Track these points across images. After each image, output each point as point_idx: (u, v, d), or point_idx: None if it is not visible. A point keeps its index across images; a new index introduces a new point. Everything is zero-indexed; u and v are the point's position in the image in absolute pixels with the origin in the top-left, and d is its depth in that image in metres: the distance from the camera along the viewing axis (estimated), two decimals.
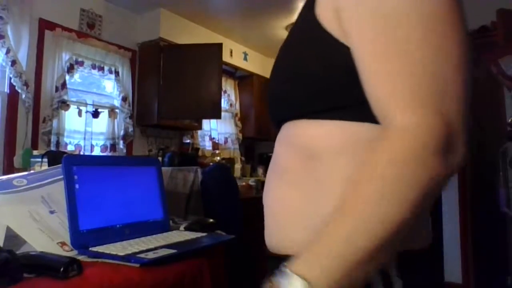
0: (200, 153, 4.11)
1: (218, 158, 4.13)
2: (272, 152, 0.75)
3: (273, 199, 0.65)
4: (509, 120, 2.96)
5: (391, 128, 0.47)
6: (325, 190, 0.56)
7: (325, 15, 0.57)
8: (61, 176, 1.06)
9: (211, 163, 3.50)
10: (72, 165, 1.07)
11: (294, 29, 0.67)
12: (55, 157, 2.01)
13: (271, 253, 0.64)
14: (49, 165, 1.90)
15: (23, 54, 2.91)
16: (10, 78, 2.85)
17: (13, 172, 1.83)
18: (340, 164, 0.56)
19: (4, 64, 2.81)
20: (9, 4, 2.84)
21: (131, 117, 3.70)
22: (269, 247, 0.65)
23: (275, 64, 0.68)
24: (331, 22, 0.56)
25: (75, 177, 1.05)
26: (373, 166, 0.46)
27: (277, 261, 0.54)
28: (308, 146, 0.59)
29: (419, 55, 0.46)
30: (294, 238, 0.59)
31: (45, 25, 3.12)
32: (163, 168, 1.86)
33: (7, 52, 2.80)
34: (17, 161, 2.83)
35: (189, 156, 3.55)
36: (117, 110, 3.64)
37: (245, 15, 4.02)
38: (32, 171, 1.26)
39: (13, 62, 2.81)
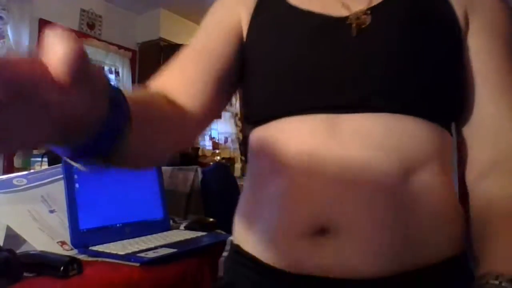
0: (200, 152, 4.11)
1: (218, 157, 4.13)
2: None
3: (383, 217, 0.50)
4: None
5: None
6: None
7: (460, 18, 0.56)
8: (61, 176, 1.06)
9: (211, 163, 3.50)
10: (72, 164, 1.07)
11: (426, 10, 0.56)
12: (55, 156, 2.00)
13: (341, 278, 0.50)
14: (49, 165, 1.90)
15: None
16: None
17: (13, 172, 1.83)
18: (440, 175, 0.54)
19: None
20: (9, 5, 2.84)
21: None
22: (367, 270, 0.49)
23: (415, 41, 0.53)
24: (465, 29, 0.56)
25: (75, 176, 1.05)
26: None
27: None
28: (412, 148, 0.51)
29: None
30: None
31: (45, 26, 3.12)
32: (163, 168, 1.86)
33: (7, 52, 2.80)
34: (17, 161, 2.83)
35: (189, 156, 3.55)
36: None
37: None
38: (32, 171, 1.26)
39: None
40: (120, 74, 3.67)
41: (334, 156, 0.50)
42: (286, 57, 0.57)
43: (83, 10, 3.44)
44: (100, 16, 3.56)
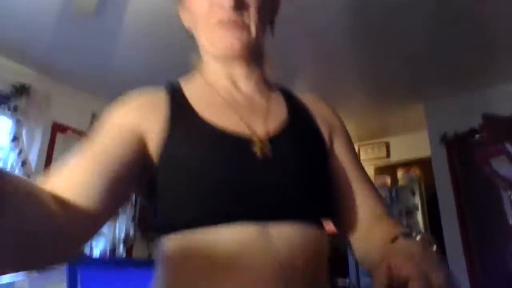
0: None
1: None
2: None
3: None
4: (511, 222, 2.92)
5: None
6: None
7: (324, 131, 0.74)
8: (64, 277, 1.04)
9: None
10: (76, 266, 1.05)
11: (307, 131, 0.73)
12: None
13: None
14: None
15: (33, 156, 2.99)
16: None
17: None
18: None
19: (14, 164, 2.87)
20: (28, 108, 2.99)
21: (133, 219, 3.67)
22: None
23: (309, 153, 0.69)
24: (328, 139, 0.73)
25: (78, 277, 1.02)
26: None
27: None
28: (323, 251, 0.63)
29: None
30: None
31: (57, 129, 3.25)
32: None
33: (19, 153, 2.88)
34: None
35: None
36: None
37: None
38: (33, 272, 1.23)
39: (23, 163, 2.88)
40: None
41: (270, 268, 0.54)
42: (212, 173, 0.60)
43: (93, 115, 3.60)
44: None
